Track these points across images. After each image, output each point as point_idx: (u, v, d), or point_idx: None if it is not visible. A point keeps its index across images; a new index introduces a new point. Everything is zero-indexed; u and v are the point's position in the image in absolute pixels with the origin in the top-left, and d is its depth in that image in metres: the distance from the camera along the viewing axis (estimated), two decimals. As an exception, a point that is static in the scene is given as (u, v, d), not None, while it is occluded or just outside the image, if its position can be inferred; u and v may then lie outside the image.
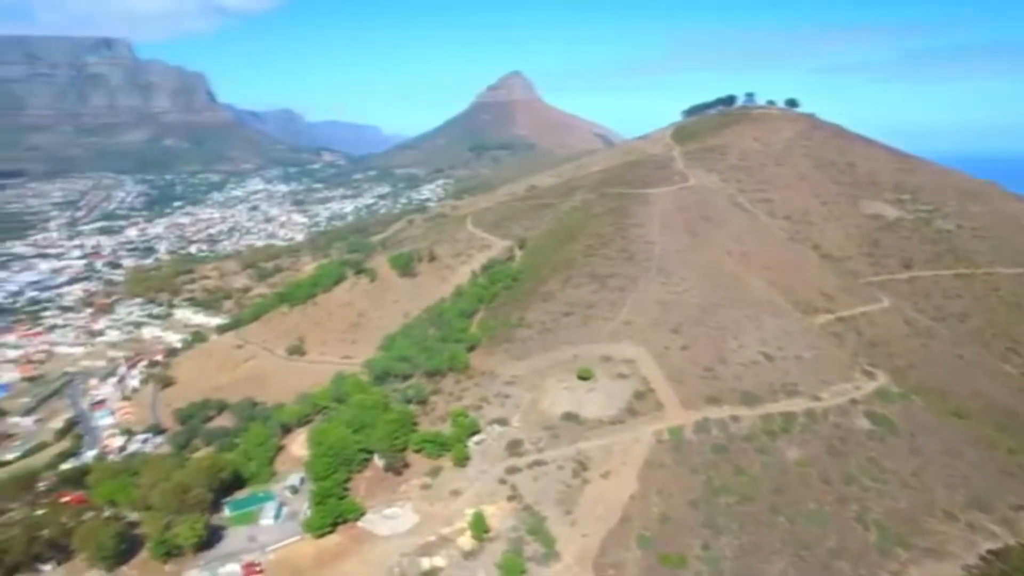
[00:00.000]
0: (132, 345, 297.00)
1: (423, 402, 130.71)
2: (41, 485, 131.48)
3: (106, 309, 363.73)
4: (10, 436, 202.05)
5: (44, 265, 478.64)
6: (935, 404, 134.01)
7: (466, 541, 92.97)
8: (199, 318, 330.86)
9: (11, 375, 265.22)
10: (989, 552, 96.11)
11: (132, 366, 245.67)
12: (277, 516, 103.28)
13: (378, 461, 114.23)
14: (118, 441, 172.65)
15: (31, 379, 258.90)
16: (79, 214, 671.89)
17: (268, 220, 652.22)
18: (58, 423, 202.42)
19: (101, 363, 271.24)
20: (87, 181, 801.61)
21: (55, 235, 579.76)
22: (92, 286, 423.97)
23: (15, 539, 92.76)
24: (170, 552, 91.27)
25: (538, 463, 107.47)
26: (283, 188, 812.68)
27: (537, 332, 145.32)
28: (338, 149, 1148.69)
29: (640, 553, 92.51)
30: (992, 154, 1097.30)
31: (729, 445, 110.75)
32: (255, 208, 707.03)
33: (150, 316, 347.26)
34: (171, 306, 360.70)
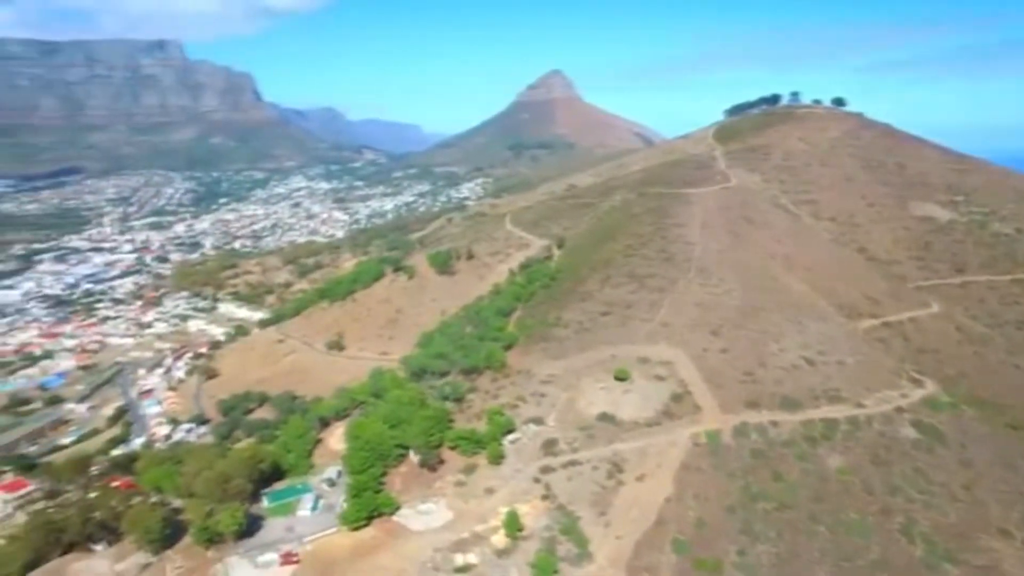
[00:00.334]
0: (178, 337, 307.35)
1: (459, 399, 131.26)
2: (94, 469, 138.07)
3: (154, 302, 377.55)
4: (66, 422, 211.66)
5: (98, 259, 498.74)
6: (988, 415, 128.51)
7: (499, 539, 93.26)
8: (242, 312, 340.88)
9: (68, 363, 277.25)
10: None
11: (178, 358, 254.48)
12: (314, 508, 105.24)
13: (413, 457, 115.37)
14: (164, 429, 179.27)
15: (85, 368, 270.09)
16: (131, 210, 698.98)
17: (310, 217, 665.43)
18: (109, 411, 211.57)
19: (149, 354, 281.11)
20: (139, 178, 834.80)
21: (108, 230, 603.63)
22: (142, 279, 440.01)
23: (71, 519, 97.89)
24: (212, 539, 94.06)
25: (573, 463, 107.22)
26: (325, 185, 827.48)
27: (574, 332, 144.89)
28: (379, 147, 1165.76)
29: (675, 557, 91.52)
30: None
31: (768, 451, 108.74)
32: (297, 205, 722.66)
33: (195, 309, 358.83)
34: (215, 300, 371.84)
